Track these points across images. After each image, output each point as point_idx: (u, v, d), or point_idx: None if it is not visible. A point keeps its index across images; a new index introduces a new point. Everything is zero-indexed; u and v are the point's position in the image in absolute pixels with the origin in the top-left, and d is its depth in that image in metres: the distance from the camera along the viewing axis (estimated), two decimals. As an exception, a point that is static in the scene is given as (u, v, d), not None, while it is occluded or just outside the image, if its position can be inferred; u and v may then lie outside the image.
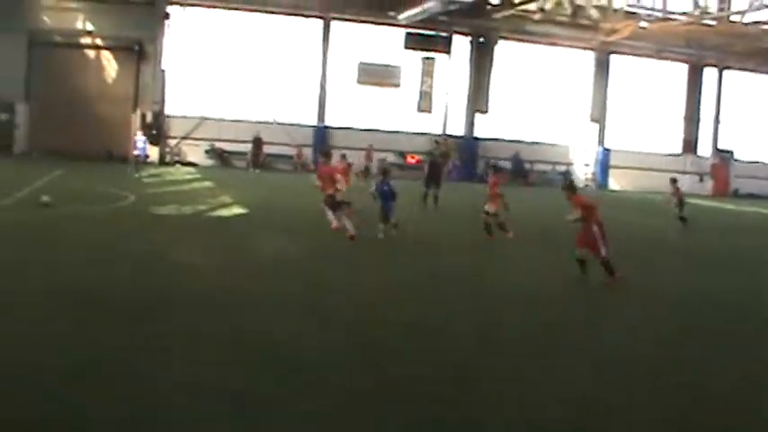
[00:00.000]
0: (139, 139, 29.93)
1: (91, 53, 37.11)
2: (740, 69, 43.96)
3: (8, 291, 8.89)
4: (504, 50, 39.84)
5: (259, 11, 37.08)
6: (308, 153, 37.46)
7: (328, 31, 37.96)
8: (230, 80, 37.02)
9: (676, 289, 12.06)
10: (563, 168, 40.76)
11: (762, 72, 43.96)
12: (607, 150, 41.82)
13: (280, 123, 37.34)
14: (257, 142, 36.62)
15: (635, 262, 13.43)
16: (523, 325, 8.99)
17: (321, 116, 38.17)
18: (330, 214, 15.03)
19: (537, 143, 40.65)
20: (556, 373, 7.08)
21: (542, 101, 40.64)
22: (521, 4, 35.32)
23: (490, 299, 10.55)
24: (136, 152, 29.20)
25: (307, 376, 6.43)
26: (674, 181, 21.31)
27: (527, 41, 39.88)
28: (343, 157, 20.61)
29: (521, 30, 38.43)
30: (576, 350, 7.97)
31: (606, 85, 42.09)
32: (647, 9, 37.85)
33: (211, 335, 7.55)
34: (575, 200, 11.51)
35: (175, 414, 5.47)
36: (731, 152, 44.35)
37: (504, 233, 15.71)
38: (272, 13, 37.22)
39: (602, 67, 41.95)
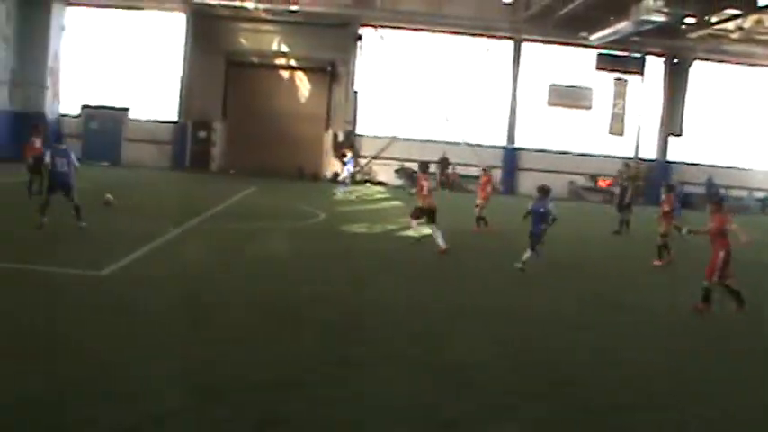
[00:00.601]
0: (349, 159, 30.47)
1: (285, 74, 38.22)
2: None
3: (210, 304, 9.24)
4: (700, 71, 38.30)
5: (450, 32, 37.26)
6: (497, 174, 36.99)
7: (519, 52, 37.64)
8: (420, 101, 37.21)
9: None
10: (761, 195, 38.64)
11: None
12: (809, 177, 39.36)
13: (469, 144, 37.14)
14: (443, 162, 36.57)
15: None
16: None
17: (510, 137, 37.75)
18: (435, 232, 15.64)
19: (733, 168, 38.69)
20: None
21: (740, 124, 38.75)
22: (718, 22, 33.85)
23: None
24: (345, 171, 29.72)
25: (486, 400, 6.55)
26: None
27: (724, 61, 38.25)
28: (485, 171, 22.13)
29: (718, 49, 36.91)
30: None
31: (810, 108, 39.71)
32: None
33: (406, 357, 7.78)
34: (715, 217, 11.27)
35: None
36: None
37: (656, 259, 16.04)
38: (463, 34, 37.29)
39: (806, 89, 39.66)
